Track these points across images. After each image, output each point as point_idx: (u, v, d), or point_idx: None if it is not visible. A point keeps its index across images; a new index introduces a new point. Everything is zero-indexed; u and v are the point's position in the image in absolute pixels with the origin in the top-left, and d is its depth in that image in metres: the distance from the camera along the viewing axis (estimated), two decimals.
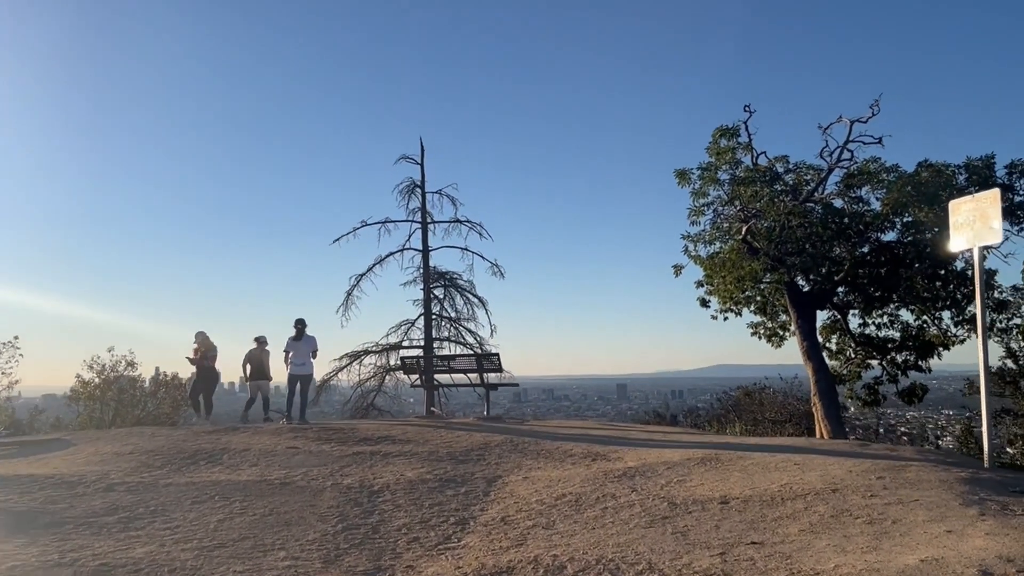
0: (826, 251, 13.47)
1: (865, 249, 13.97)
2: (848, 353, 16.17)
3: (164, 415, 19.70)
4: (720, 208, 14.39)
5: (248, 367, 15.11)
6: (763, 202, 13.35)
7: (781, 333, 16.40)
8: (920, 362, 15.23)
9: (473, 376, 15.89)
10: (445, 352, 24.27)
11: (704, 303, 16.68)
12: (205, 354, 15.10)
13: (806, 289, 13.99)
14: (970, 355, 15.44)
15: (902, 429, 25.41)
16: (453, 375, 17.38)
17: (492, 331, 26.21)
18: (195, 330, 15.52)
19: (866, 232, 13.66)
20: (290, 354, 14.46)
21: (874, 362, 15.95)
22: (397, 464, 9.46)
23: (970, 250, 9.74)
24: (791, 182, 14.28)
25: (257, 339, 15.34)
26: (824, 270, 13.11)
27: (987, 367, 8.48)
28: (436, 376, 17.73)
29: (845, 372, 16.10)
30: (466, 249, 25.76)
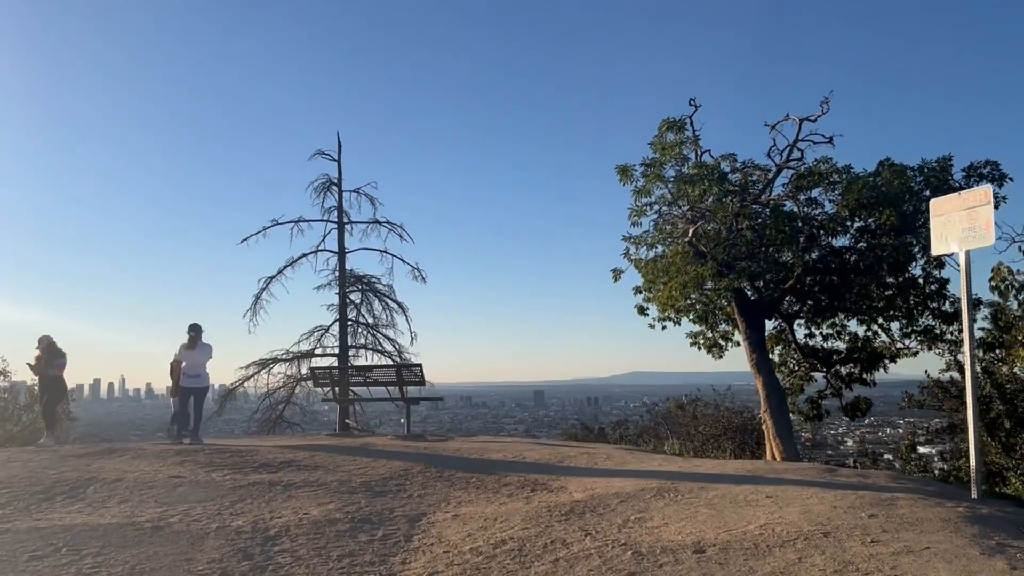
0: (776, 256, 12.52)
1: (815, 255, 13.08)
2: (791, 365, 15.34)
3: (41, 431, 17.51)
4: (664, 208, 13.31)
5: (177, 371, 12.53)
6: (711, 202, 12.33)
7: (722, 344, 15.43)
8: (865, 375, 14.48)
9: (393, 388, 14.39)
10: (362, 361, 22.86)
11: (642, 311, 15.60)
12: (50, 361, 12.83)
13: (754, 297, 13.00)
14: (905, 366, 14.79)
15: (848, 442, 24.96)
16: (370, 387, 15.86)
17: (412, 338, 24.88)
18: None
19: (817, 236, 12.78)
20: (183, 364, 12.66)
21: (818, 375, 15.18)
22: (301, 498, 7.94)
23: (950, 255, 8.87)
24: (737, 182, 13.28)
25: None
26: (772, 276, 12.12)
27: (975, 385, 7.53)
28: (353, 388, 16.12)
29: (788, 385, 15.24)
30: (385, 252, 24.54)
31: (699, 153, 13.10)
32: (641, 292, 15.34)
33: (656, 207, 13.26)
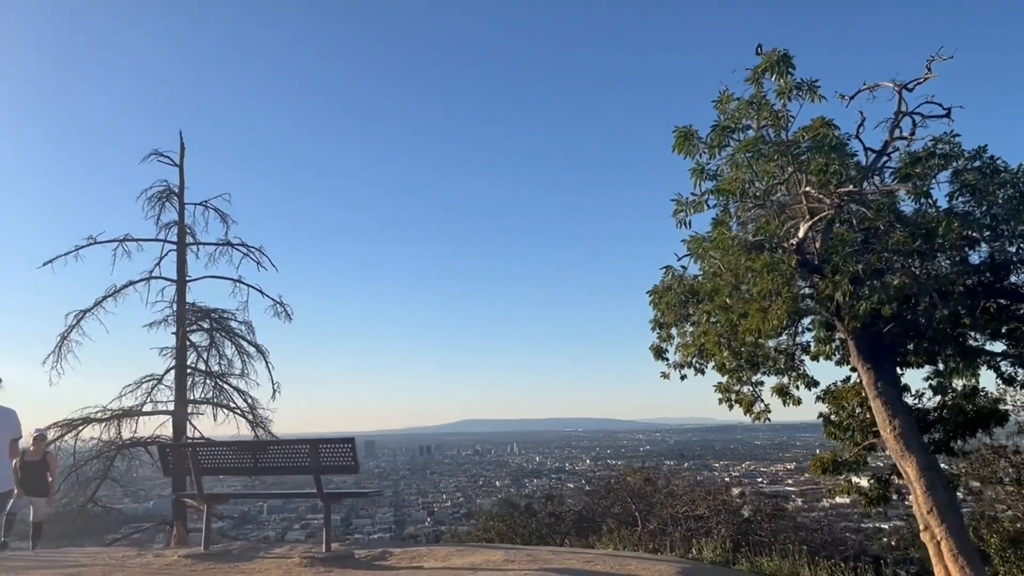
0: (929, 268, 8.39)
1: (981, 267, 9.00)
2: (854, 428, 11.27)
3: None
4: (750, 193, 8.71)
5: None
6: (833, 185, 8.01)
7: (759, 400, 11.08)
8: (957, 440, 10.65)
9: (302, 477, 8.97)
10: (205, 422, 18.58)
11: (660, 354, 11.01)
12: None
13: (885, 330, 8.64)
14: None
15: None
16: (261, 475, 10.29)
17: (275, 391, 19.47)
18: None
19: (957, 247, 8.74)
20: None
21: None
22: None
23: None
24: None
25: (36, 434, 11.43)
26: (925, 298, 7.86)
27: None
28: (227, 474, 10.42)
29: (848, 456, 11.12)
30: (239, 281, 19.19)
31: (785, 116, 8.72)
32: (663, 327, 10.77)
33: (724, 193, 8.71)
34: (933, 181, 9.21)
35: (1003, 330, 9.64)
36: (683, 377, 11.26)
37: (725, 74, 9.46)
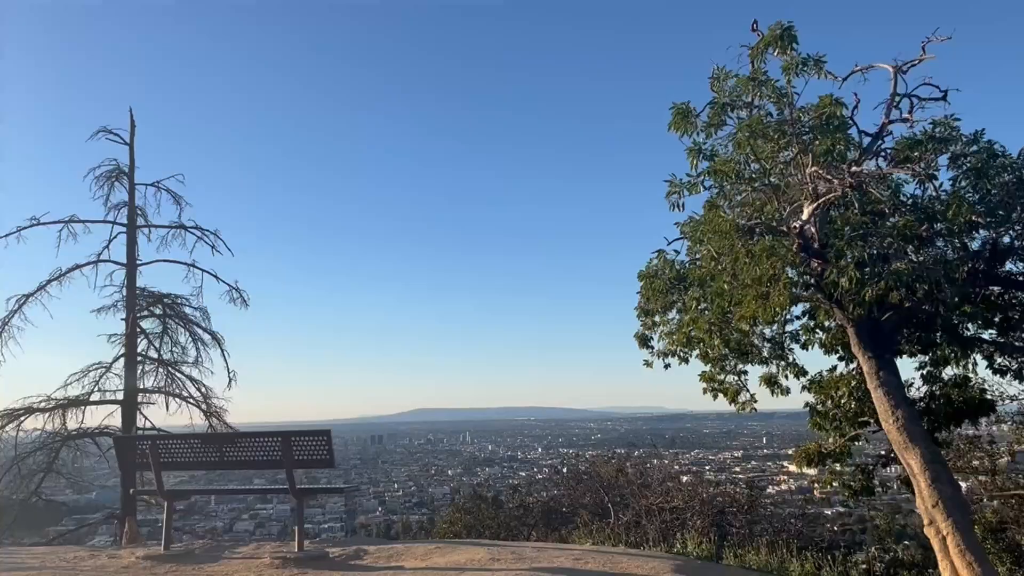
0: (936, 253, 8.10)
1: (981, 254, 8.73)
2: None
3: None
4: (741, 175, 8.28)
5: None
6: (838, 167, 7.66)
7: (746, 391, 10.77)
8: (944, 430, 10.48)
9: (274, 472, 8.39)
10: (157, 412, 17.68)
11: (645, 342, 10.65)
12: None
13: (884, 318, 8.33)
14: None
15: None
16: (228, 469, 9.65)
17: (231, 380, 18.74)
18: None
19: (963, 232, 8.49)
20: None
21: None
22: None
23: None
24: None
25: None
26: (930, 283, 7.56)
27: None
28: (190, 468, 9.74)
29: (834, 447, 10.89)
30: (193, 265, 18.42)
31: (790, 94, 8.34)
32: (648, 314, 10.39)
33: (720, 174, 8.30)
34: (928, 164, 8.96)
35: (995, 319, 9.48)
36: (667, 366, 10.91)
37: (709, 56, 9.02)
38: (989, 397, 10.37)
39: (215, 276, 18.30)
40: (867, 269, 7.74)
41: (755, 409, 10.64)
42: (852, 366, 10.56)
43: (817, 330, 10.38)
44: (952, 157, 8.98)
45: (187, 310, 18.51)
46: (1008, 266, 9.18)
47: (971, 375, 10.13)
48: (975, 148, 9.09)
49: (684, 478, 15.95)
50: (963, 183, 8.52)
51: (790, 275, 8.06)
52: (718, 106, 8.40)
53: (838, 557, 11.83)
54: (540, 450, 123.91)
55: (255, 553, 8.63)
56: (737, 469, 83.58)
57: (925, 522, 7.91)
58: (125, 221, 18.12)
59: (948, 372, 10.23)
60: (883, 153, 9.30)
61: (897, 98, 9.32)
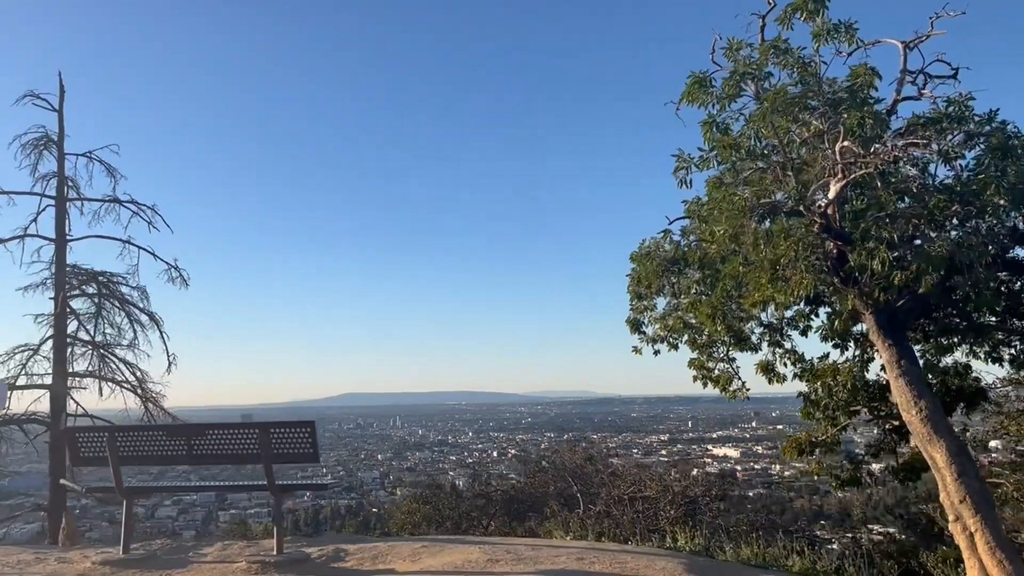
0: (956, 238, 7.70)
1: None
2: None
3: None
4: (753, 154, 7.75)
5: None
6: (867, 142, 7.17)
7: (738, 378, 10.30)
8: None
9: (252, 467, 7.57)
10: (88, 397, 16.86)
11: (637, 326, 10.07)
12: None
13: (901, 303, 7.89)
14: None
15: None
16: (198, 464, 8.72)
17: (171, 364, 17.71)
18: None
19: (990, 214, 8.13)
20: None
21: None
22: None
23: None
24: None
25: None
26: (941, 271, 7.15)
27: None
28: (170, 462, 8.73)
29: (825, 437, 10.53)
30: (128, 242, 17.39)
31: (817, 64, 7.82)
32: (642, 297, 9.82)
33: (732, 148, 7.76)
34: (949, 143, 8.61)
35: (997, 308, 9.21)
36: (656, 352, 10.40)
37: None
38: (983, 385, 10.18)
39: (152, 253, 17.26)
40: (895, 252, 7.33)
41: (748, 397, 10.21)
42: (848, 354, 10.22)
43: (813, 316, 9.96)
44: (967, 136, 8.65)
45: (124, 289, 17.41)
46: (1018, 251, 8.91)
47: (970, 363, 9.88)
48: (988, 128, 8.79)
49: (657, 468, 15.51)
50: (986, 161, 8.15)
51: (815, 258, 7.54)
52: (736, 74, 7.82)
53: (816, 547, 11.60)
54: (471, 434, 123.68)
55: (225, 555, 7.79)
56: (663, 452, 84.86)
57: (951, 518, 7.54)
58: (54, 193, 17.06)
59: (948, 360, 9.95)
60: (892, 132, 8.93)
61: (909, 75, 8.97)
